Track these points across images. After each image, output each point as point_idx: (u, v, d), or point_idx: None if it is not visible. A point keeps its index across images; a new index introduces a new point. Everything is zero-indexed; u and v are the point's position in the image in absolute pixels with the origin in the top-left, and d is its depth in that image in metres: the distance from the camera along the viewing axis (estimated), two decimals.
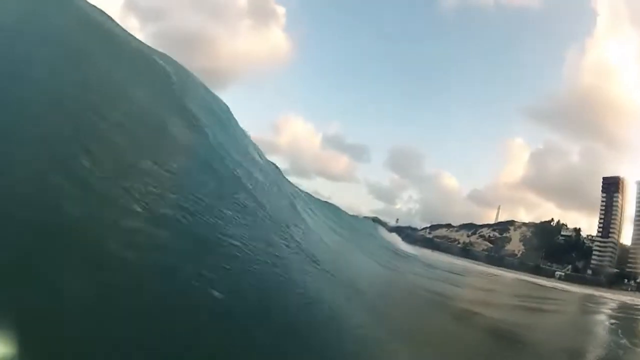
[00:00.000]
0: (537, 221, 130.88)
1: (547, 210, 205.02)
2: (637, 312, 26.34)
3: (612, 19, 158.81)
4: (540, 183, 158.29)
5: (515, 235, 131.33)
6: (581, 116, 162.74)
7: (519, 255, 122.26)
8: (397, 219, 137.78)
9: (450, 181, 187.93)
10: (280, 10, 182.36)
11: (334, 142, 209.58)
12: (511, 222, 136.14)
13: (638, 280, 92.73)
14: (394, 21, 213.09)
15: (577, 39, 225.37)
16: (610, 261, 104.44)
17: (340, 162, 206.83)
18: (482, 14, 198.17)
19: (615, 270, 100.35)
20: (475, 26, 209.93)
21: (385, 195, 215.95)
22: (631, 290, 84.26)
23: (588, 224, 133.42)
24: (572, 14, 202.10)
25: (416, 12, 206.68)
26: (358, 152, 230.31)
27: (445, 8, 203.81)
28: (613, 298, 42.54)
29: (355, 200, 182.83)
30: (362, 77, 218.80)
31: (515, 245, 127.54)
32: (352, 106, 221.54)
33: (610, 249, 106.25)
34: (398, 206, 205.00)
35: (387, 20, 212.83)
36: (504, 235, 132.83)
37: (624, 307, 30.31)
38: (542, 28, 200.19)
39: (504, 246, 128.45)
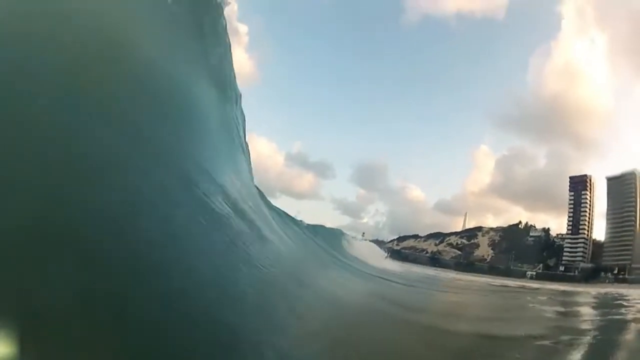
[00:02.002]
0: (505, 225, 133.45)
1: (515, 214, 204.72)
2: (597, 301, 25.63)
3: (578, 21, 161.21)
4: (507, 188, 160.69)
5: (483, 240, 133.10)
6: (546, 120, 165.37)
7: (488, 259, 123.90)
8: (363, 233, 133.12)
9: (417, 192, 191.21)
10: (243, 28, 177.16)
11: (298, 160, 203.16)
12: (479, 228, 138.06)
13: (615, 272, 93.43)
14: (356, 38, 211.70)
15: (542, 44, 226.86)
16: (583, 256, 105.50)
17: (305, 179, 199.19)
18: (444, 27, 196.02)
19: (590, 265, 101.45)
20: (438, 39, 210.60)
21: (352, 210, 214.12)
22: (609, 282, 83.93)
23: (557, 224, 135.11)
24: (537, 19, 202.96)
25: (378, 28, 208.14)
26: (322, 169, 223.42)
27: (408, 23, 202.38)
28: (581, 290, 41.69)
29: (322, 217, 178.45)
30: (325, 95, 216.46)
31: (484, 251, 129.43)
32: (315, 124, 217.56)
33: (582, 245, 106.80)
34: (365, 220, 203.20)
35: (349, 37, 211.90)
36: (472, 241, 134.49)
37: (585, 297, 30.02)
38: (506, 36, 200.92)
39: (473, 252, 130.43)
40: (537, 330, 9.24)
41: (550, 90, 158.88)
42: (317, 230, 28.78)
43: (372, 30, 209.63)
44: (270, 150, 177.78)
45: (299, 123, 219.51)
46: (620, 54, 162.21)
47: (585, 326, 11.56)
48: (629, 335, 10.10)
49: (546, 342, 7.92)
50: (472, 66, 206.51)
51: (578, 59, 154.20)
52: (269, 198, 16.88)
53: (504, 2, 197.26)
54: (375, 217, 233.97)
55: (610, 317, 14.62)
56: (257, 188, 15.04)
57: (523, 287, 42.80)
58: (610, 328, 11.30)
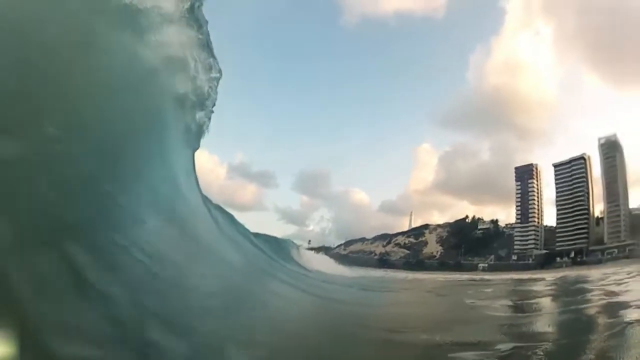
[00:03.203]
0: (452, 221, 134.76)
1: (461, 209, 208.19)
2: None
3: (523, 13, 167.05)
4: (451, 184, 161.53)
5: (431, 238, 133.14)
6: (489, 114, 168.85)
7: (437, 256, 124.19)
8: (309, 241, 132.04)
9: (360, 196, 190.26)
10: None
11: (240, 172, 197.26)
12: (425, 226, 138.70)
13: (571, 256, 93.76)
14: (293, 44, 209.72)
15: (483, 39, 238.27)
16: (536, 243, 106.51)
17: (248, 191, 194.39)
18: (384, 27, 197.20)
19: (545, 251, 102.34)
20: (377, 40, 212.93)
21: (297, 218, 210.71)
22: (566, 266, 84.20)
23: (506, 214, 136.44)
24: (478, 15, 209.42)
25: (316, 33, 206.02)
26: (265, 179, 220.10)
27: (346, 25, 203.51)
28: (537, 277, 40.43)
29: (267, 228, 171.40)
30: (264, 104, 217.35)
31: (432, 248, 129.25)
32: (256, 134, 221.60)
33: (533, 233, 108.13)
34: (310, 228, 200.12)
35: (286, 43, 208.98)
36: (420, 239, 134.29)
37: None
38: (447, 34, 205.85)
39: (422, 250, 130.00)
40: (491, 336, 7.51)
41: (492, 85, 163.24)
42: (260, 238, 26.21)
43: (309, 34, 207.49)
44: (211, 163, 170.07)
45: (239, 134, 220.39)
46: (566, 43, 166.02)
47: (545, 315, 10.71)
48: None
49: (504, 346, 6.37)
50: (411, 66, 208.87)
51: (522, 52, 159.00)
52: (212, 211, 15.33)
53: (443, 1, 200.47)
54: (321, 223, 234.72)
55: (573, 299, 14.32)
56: (206, 198, 15.06)
57: (473, 279, 42.04)
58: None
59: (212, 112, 14.18)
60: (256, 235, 26.12)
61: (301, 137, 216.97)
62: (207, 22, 12.25)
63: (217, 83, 13.60)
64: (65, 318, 3.61)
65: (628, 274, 25.97)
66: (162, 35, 9.61)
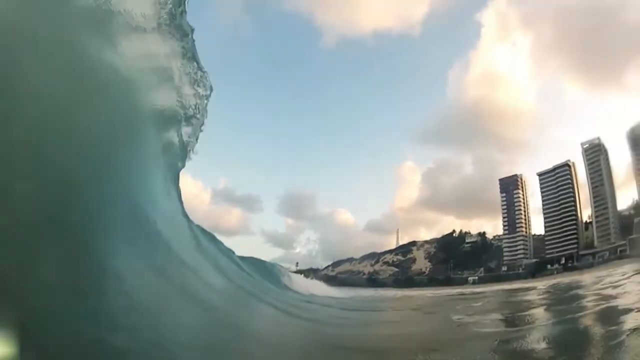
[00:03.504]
0: (439, 236, 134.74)
1: (448, 224, 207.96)
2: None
3: (499, 26, 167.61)
4: (436, 200, 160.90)
5: (419, 254, 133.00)
6: (470, 127, 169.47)
7: (427, 272, 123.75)
8: (297, 263, 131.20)
9: (346, 216, 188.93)
10: None
11: (224, 196, 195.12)
12: (413, 243, 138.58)
13: (562, 262, 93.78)
14: (274, 65, 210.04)
15: (461, 53, 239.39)
16: (525, 253, 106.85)
17: (233, 215, 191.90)
18: (362, 47, 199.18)
19: (535, 260, 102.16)
20: (357, 60, 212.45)
21: (283, 241, 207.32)
22: (557, 272, 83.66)
23: (493, 226, 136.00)
24: (455, 30, 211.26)
25: (296, 54, 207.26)
26: (250, 203, 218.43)
27: (326, 46, 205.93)
28: (529, 286, 39.05)
29: (254, 252, 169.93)
30: (244, 126, 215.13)
31: (421, 264, 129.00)
32: (239, 158, 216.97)
33: (522, 242, 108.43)
34: (297, 250, 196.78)
35: (267, 70, 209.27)
36: (408, 257, 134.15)
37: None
38: (425, 50, 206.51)
39: (410, 267, 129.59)
40: (481, 355, 6.87)
41: (472, 98, 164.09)
42: (247, 262, 25.91)
43: (289, 57, 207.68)
44: (196, 189, 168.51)
45: (222, 158, 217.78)
46: (544, 52, 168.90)
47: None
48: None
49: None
50: (391, 84, 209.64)
51: (499, 64, 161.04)
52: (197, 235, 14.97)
53: (419, 17, 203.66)
54: (308, 245, 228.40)
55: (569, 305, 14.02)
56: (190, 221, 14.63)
57: (463, 293, 40.16)
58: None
59: (201, 131, 13.63)
60: (242, 259, 25.58)
61: (284, 159, 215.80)
62: (192, 29, 11.47)
63: (207, 100, 12.93)
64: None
65: (622, 275, 25.46)
66: (142, 44, 9.28)
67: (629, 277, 22.84)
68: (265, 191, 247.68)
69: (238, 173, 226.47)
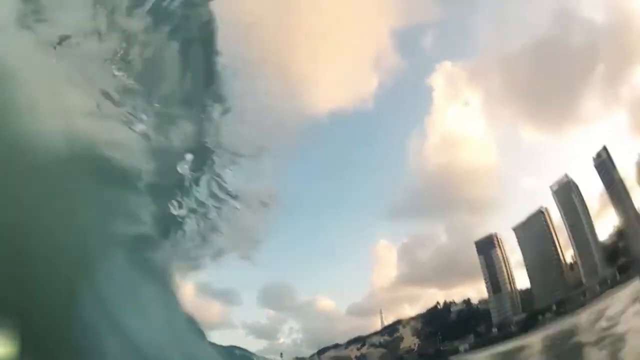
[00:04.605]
0: (424, 310, 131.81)
1: (431, 297, 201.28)
2: None
3: (448, 88, 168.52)
4: (415, 275, 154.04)
5: (406, 332, 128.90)
6: (437, 196, 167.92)
7: (416, 348, 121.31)
8: (281, 354, 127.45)
9: (326, 302, 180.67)
10: None
11: (203, 290, 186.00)
12: (398, 322, 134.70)
13: (554, 309, 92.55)
14: None
15: (417, 122, 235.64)
16: (513, 310, 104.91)
17: (214, 309, 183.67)
18: (320, 129, 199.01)
19: (524, 314, 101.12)
20: (317, 143, 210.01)
21: (266, 332, 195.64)
22: (551, 321, 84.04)
23: (477, 290, 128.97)
24: (407, 99, 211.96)
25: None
26: (229, 297, 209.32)
27: (285, 134, 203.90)
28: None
29: (238, 344, 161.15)
30: None
31: (409, 341, 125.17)
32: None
33: (509, 300, 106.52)
34: (281, 340, 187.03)
35: None
36: (395, 336, 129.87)
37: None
38: (380, 123, 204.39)
39: (399, 346, 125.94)
40: None
41: (434, 166, 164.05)
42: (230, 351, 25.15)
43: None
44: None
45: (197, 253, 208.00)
46: (495, 105, 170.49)
47: None
48: None
49: None
50: (352, 164, 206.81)
51: (456, 126, 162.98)
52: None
53: (371, 91, 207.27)
54: (291, 335, 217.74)
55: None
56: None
57: None
58: None
59: None
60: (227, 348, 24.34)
61: (258, 252, 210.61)
62: None
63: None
64: None
65: (620, 302, 23.76)
66: None
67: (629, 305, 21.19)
68: (242, 284, 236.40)
69: (214, 268, 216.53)
